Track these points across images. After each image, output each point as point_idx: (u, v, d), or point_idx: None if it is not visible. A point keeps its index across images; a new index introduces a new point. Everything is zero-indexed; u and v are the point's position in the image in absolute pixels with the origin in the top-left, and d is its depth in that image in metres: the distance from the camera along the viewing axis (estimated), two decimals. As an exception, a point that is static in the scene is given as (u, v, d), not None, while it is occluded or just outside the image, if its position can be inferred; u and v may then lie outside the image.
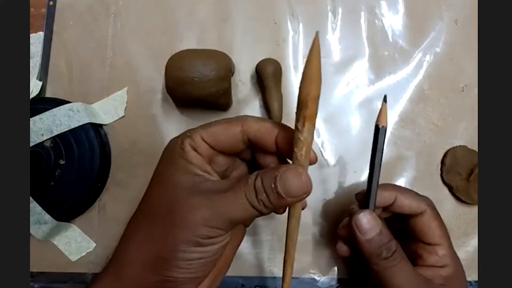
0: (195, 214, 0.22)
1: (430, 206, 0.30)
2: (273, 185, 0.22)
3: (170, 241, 0.23)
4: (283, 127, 0.25)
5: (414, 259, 0.30)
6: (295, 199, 0.23)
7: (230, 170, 0.28)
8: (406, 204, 0.29)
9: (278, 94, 0.37)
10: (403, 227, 0.31)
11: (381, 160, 0.26)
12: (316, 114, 0.24)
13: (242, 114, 0.26)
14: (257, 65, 0.37)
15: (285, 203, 0.23)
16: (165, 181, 0.25)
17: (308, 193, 0.23)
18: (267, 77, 0.36)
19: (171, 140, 0.26)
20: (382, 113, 0.25)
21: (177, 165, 0.24)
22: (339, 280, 0.36)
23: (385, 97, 0.25)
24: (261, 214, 0.24)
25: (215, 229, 0.23)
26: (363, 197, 0.29)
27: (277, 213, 0.28)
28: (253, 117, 0.26)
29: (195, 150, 0.25)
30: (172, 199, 0.23)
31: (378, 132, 0.26)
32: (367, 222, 0.27)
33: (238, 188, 0.23)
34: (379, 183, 0.28)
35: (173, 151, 0.25)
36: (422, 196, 0.31)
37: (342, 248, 0.32)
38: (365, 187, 0.28)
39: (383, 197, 0.29)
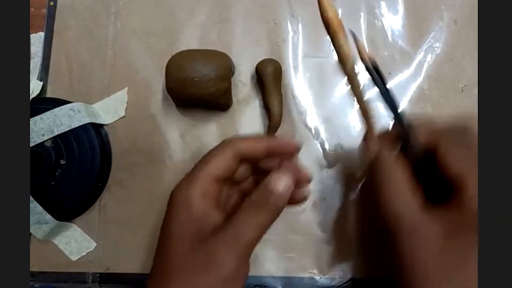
0: (224, 267, 0.23)
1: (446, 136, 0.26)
2: (266, 193, 0.24)
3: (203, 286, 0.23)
4: (267, 136, 0.28)
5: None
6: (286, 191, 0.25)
7: (228, 200, 0.29)
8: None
9: (278, 94, 0.37)
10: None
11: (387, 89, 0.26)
12: (340, 25, 0.26)
13: (227, 139, 0.27)
14: (257, 65, 0.37)
15: (279, 204, 0.25)
16: (179, 236, 0.25)
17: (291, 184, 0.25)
18: (267, 77, 0.36)
19: (177, 190, 0.26)
20: (362, 51, 0.25)
21: (188, 219, 0.25)
22: (353, 280, 0.36)
23: (353, 34, 0.26)
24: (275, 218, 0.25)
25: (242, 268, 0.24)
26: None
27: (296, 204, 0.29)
28: (239, 139, 0.27)
29: (204, 196, 0.25)
30: (193, 251, 0.24)
31: (371, 72, 0.26)
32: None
33: (236, 214, 0.24)
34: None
35: (179, 203, 0.25)
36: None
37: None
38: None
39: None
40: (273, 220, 0.25)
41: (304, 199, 0.28)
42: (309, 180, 0.28)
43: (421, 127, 0.27)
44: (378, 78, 0.25)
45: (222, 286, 0.23)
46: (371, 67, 0.25)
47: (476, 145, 0.24)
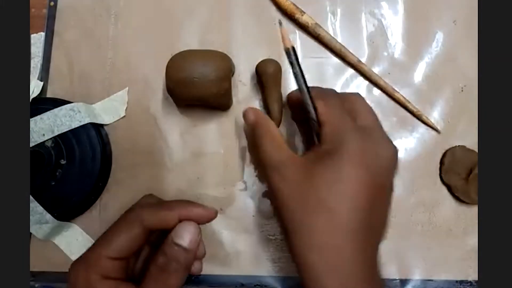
0: None
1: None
2: (175, 247, 0.26)
3: None
4: (180, 202, 0.29)
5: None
6: (195, 245, 0.27)
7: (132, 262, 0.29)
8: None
9: (278, 95, 0.37)
10: None
11: (301, 71, 0.29)
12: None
13: (136, 211, 0.28)
14: (257, 65, 0.37)
15: (193, 255, 0.26)
16: None
17: (198, 233, 0.27)
18: (267, 78, 0.36)
19: (74, 271, 0.26)
20: (285, 38, 0.28)
21: None
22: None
23: (280, 21, 0.30)
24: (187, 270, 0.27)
25: None
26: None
27: None
28: (149, 212, 0.27)
29: (106, 278, 0.25)
30: None
31: (290, 55, 0.29)
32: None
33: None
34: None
35: None
36: None
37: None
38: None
39: None
40: (184, 278, 0.26)
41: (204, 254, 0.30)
42: (209, 219, 0.29)
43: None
44: (295, 61, 0.29)
45: None
46: (290, 51, 0.29)
47: (337, 101, 0.29)
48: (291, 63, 0.29)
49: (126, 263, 0.27)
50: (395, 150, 0.28)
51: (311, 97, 0.29)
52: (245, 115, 0.31)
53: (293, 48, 0.29)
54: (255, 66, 0.37)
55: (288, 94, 0.34)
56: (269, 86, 0.37)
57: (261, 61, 0.37)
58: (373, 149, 0.26)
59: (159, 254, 0.25)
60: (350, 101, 0.30)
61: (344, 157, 0.25)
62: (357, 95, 0.31)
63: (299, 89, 0.29)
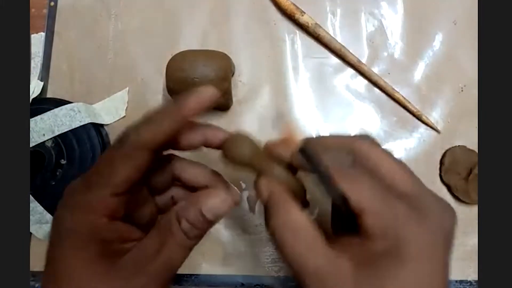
0: None
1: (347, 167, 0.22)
2: (201, 218, 0.22)
3: None
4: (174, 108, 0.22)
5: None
6: (225, 215, 0.23)
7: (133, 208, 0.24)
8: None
9: (280, 170, 0.24)
10: None
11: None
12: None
13: (128, 130, 0.22)
14: (223, 147, 0.23)
15: (216, 222, 0.23)
16: (78, 275, 0.21)
17: (234, 204, 0.23)
18: (244, 167, 0.23)
19: (61, 214, 0.21)
20: (291, 134, 0.23)
21: (89, 255, 0.21)
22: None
23: (281, 120, 0.23)
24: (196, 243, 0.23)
25: None
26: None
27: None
28: (143, 127, 0.22)
29: (114, 219, 0.22)
30: None
31: (306, 153, 0.22)
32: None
33: (167, 245, 0.21)
34: None
35: (73, 231, 0.21)
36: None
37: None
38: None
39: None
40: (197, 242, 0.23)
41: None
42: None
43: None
44: (312, 156, 0.22)
45: None
46: (307, 150, 0.22)
47: (369, 168, 0.22)
48: (310, 160, 0.22)
49: (128, 198, 0.22)
50: (453, 210, 0.22)
51: (333, 182, 0.21)
52: (257, 188, 0.23)
53: (307, 143, 0.22)
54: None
55: (292, 156, 0.23)
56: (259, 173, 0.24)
57: (228, 139, 0.23)
58: (438, 227, 0.20)
59: (182, 215, 0.22)
60: (365, 156, 0.22)
61: (414, 257, 0.19)
62: (367, 142, 0.23)
63: (319, 180, 0.22)
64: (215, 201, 0.22)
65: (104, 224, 0.21)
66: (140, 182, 0.22)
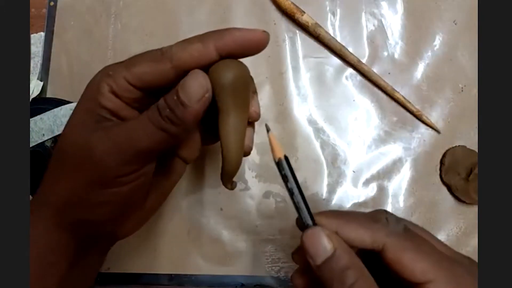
0: (94, 151, 0.21)
1: (399, 235, 0.21)
2: (175, 97, 0.21)
3: (76, 184, 0.22)
4: (218, 35, 0.23)
5: None
6: (200, 104, 0.21)
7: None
8: (353, 237, 0.21)
9: (238, 121, 0.24)
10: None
11: (298, 185, 0.22)
12: None
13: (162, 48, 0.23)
14: (209, 71, 0.23)
15: (193, 113, 0.21)
16: (72, 124, 0.23)
17: (207, 89, 0.21)
18: (220, 92, 0.23)
19: (93, 78, 0.24)
20: (273, 146, 0.22)
21: (87, 108, 0.23)
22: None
23: (267, 126, 0.23)
24: (172, 136, 0.21)
25: (119, 166, 0.21)
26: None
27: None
28: (179, 45, 0.23)
29: (114, 93, 0.23)
30: (75, 141, 0.22)
31: (281, 165, 0.22)
32: (314, 242, 0.21)
33: (141, 116, 0.21)
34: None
35: (89, 91, 0.23)
36: (390, 218, 0.23)
37: (297, 281, 0.24)
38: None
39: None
40: (175, 137, 0.22)
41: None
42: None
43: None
44: (290, 174, 0.22)
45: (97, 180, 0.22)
46: (282, 162, 0.22)
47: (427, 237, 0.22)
48: (284, 177, 0.22)
49: (139, 99, 0.23)
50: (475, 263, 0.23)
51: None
52: (305, 241, 0.22)
53: (286, 158, 0.22)
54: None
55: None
56: (224, 107, 0.23)
57: (214, 65, 0.23)
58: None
59: (166, 96, 0.22)
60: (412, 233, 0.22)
61: None
62: (406, 227, 0.23)
63: (302, 223, 0.22)
64: (191, 83, 0.21)
65: (105, 92, 0.23)
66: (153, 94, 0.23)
